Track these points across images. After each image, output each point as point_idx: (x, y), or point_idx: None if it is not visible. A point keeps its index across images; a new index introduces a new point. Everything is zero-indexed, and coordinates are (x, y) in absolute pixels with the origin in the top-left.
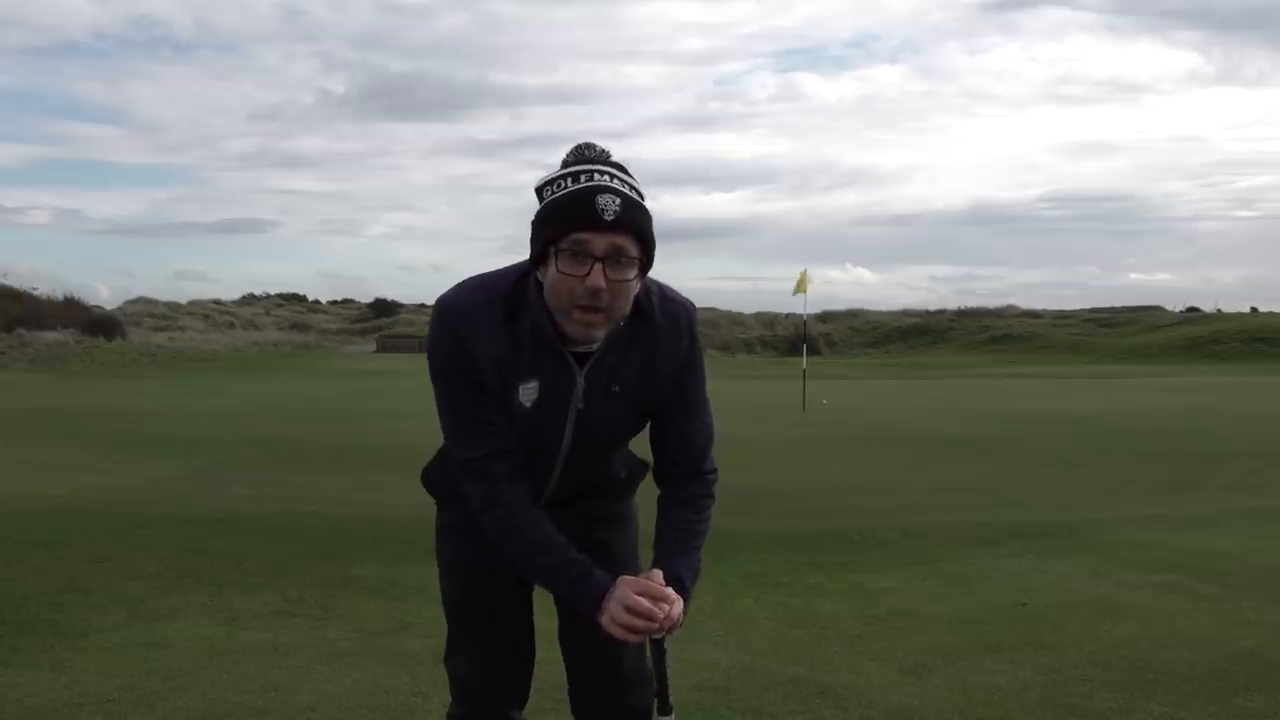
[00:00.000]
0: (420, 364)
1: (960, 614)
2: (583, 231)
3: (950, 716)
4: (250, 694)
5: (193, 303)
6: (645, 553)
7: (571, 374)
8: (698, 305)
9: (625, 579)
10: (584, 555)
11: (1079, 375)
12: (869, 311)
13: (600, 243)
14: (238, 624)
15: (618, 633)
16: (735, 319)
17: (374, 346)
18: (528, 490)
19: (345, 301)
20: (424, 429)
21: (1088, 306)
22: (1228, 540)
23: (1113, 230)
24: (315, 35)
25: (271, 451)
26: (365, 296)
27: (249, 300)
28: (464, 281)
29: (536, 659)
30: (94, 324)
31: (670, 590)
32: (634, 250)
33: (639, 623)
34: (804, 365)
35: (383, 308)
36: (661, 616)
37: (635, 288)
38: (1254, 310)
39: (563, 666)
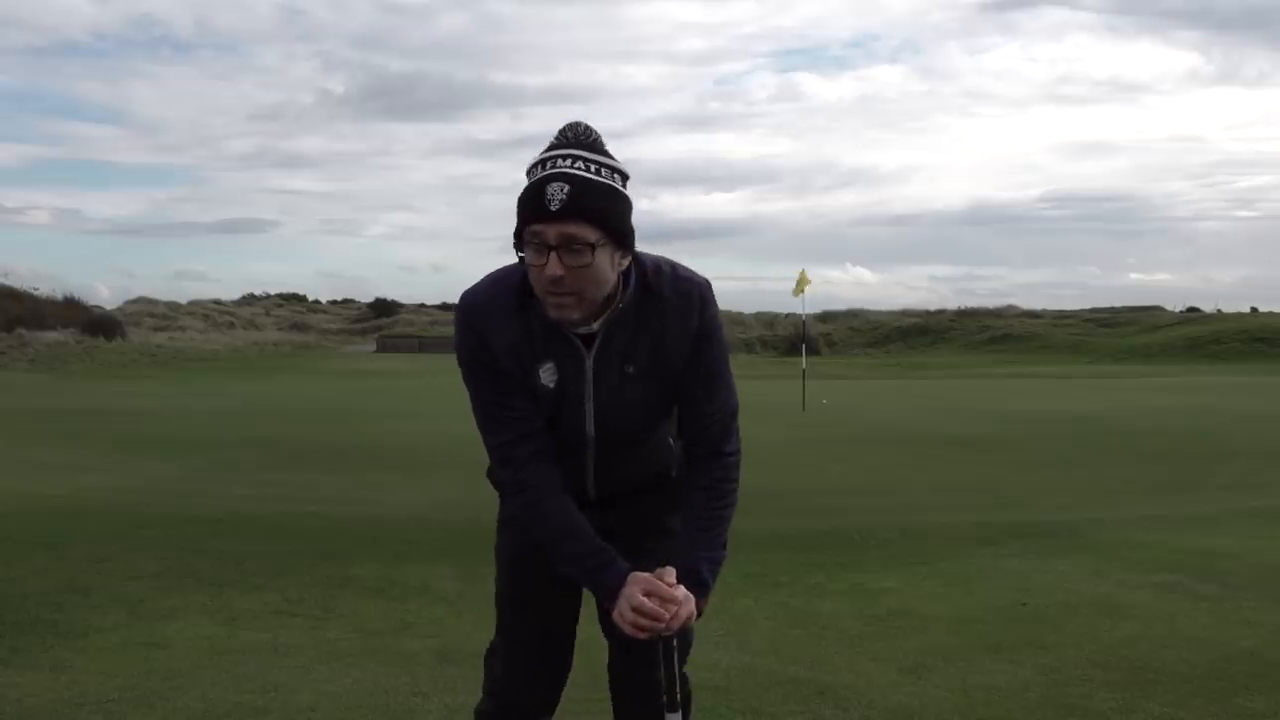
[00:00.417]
0: (420, 364)
1: (960, 614)
2: (536, 223)
3: (950, 716)
4: (250, 694)
5: (193, 303)
6: None
7: (580, 356)
8: None
9: (636, 576)
10: (608, 546)
11: (1079, 375)
12: (869, 311)
13: (551, 232)
14: (238, 624)
15: (626, 630)
16: (735, 319)
17: (374, 346)
18: (555, 476)
19: (345, 301)
20: (424, 429)
21: (1088, 306)
22: (1228, 540)
23: (1113, 230)
24: (315, 35)
25: (271, 451)
26: (365, 296)
27: (249, 300)
28: (484, 277)
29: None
30: (94, 324)
31: (679, 591)
32: (589, 235)
33: (645, 622)
34: (804, 365)
35: (383, 308)
36: (668, 618)
37: (606, 269)
38: (1254, 310)
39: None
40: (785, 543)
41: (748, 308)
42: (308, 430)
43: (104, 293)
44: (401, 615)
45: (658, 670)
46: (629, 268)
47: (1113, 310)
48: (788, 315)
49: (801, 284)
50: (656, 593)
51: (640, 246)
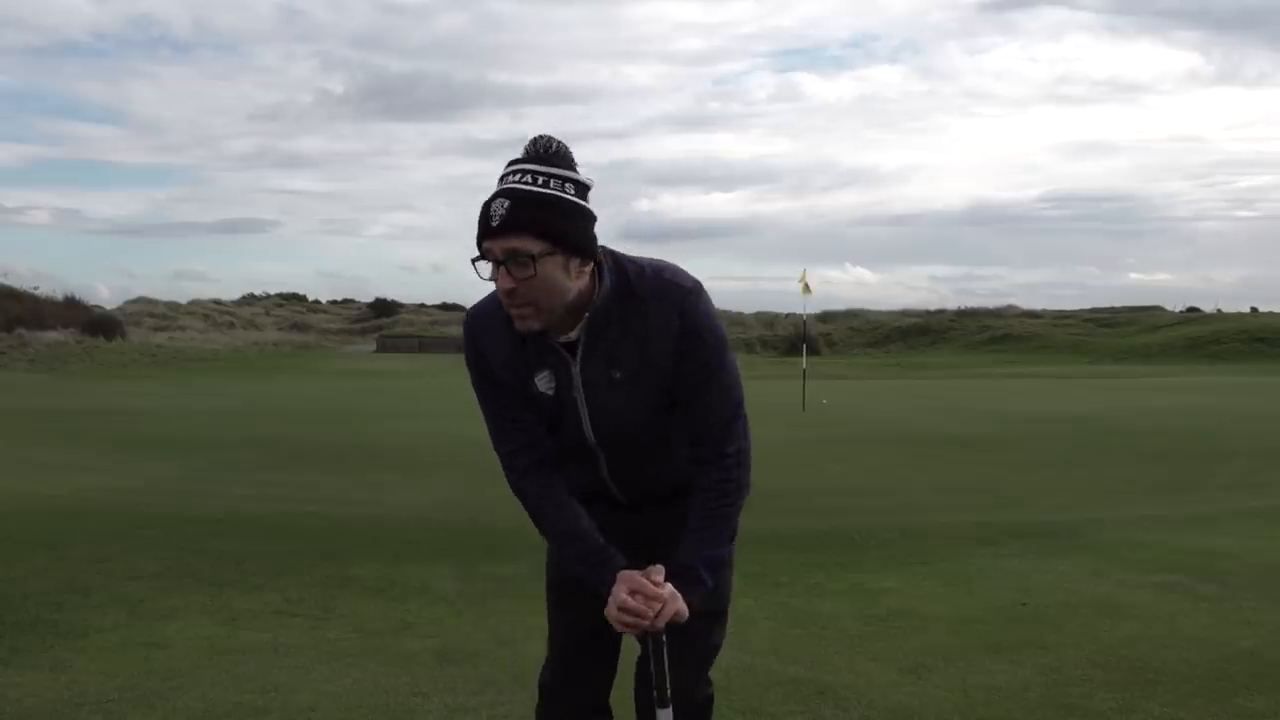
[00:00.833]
0: (420, 364)
1: (960, 614)
2: (484, 240)
3: (950, 716)
4: (250, 694)
5: (193, 303)
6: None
7: (568, 364)
8: None
9: (624, 575)
10: (609, 545)
11: (1079, 375)
12: (869, 311)
13: (497, 248)
14: (238, 624)
15: (617, 627)
16: (735, 319)
17: (374, 346)
18: (556, 483)
19: (345, 301)
20: (424, 429)
21: (1088, 306)
22: (1228, 540)
23: (1112, 230)
24: (314, 35)
25: (271, 451)
26: (365, 296)
27: (249, 300)
28: (490, 293)
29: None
30: (94, 324)
31: (665, 589)
32: (532, 247)
33: (629, 619)
34: (804, 365)
35: (383, 308)
36: (651, 615)
37: (557, 279)
38: (1254, 310)
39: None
40: (785, 543)
41: (748, 308)
42: (308, 430)
43: (104, 293)
44: (401, 615)
45: (682, 672)
46: (604, 272)
47: (1113, 310)
48: (788, 315)
49: (806, 285)
50: (641, 590)
51: (640, 247)
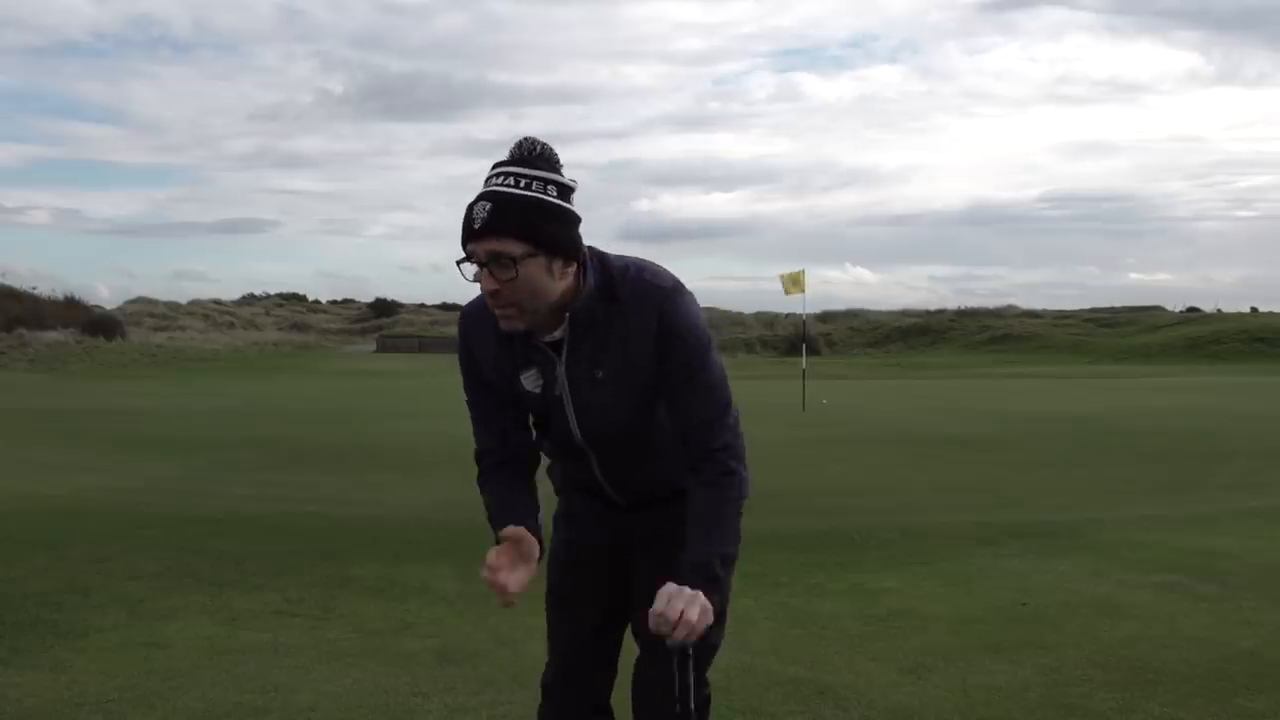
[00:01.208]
0: (420, 364)
1: (960, 614)
2: (468, 243)
3: (950, 716)
4: (250, 694)
5: (193, 303)
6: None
7: (552, 362)
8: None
9: (513, 532)
10: (530, 505)
11: (1079, 375)
12: (869, 311)
13: (479, 250)
14: (238, 624)
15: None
16: (735, 319)
17: (374, 346)
18: (514, 484)
19: (345, 301)
20: (424, 429)
21: (1088, 306)
22: (1228, 540)
23: (1112, 230)
24: (314, 35)
25: (271, 451)
26: (365, 296)
27: (249, 300)
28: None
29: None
30: (94, 324)
31: (684, 591)
32: (513, 249)
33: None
34: (804, 365)
35: (383, 308)
36: (675, 617)
37: (539, 280)
38: (1254, 310)
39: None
40: (785, 543)
41: (748, 308)
42: (308, 430)
43: (104, 293)
44: (401, 615)
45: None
46: (588, 273)
47: (1113, 310)
48: (788, 315)
49: (793, 282)
50: (521, 558)
51: (640, 247)
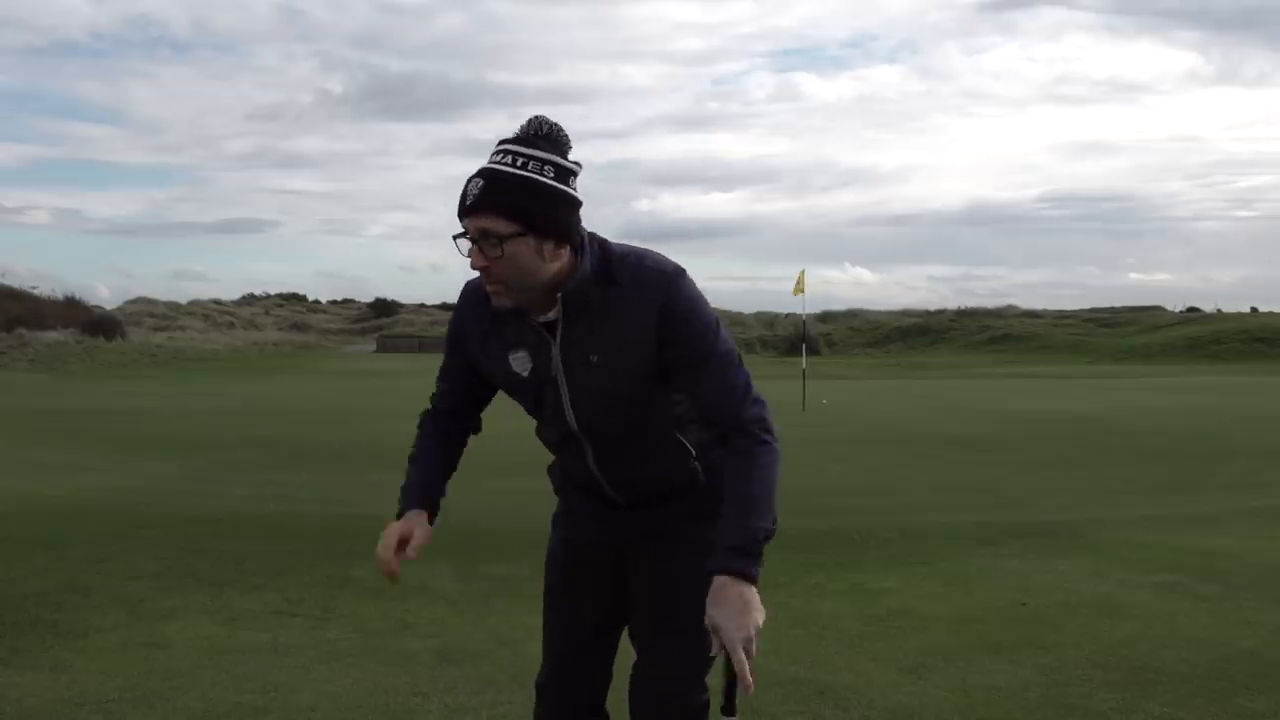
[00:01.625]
0: (420, 364)
1: (960, 614)
2: (461, 219)
3: (950, 716)
4: (250, 694)
5: (193, 303)
6: None
7: (546, 344)
8: None
9: (413, 516)
10: (438, 481)
11: (1079, 375)
12: (868, 311)
13: (470, 227)
14: (238, 624)
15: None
16: (735, 319)
17: (374, 346)
18: (441, 447)
19: (345, 301)
20: None
21: (1087, 306)
22: (1228, 540)
23: (1112, 230)
24: (314, 35)
25: (271, 451)
26: (365, 296)
27: (249, 300)
28: None
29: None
30: (94, 324)
31: (735, 599)
32: (502, 228)
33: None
34: (804, 365)
35: (383, 308)
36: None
37: (527, 260)
38: (1254, 310)
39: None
40: (785, 543)
41: (747, 308)
42: (308, 430)
43: (104, 293)
44: (401, 615)
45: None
46: (585, 256)
47: (1112, 310)
48: (788, 315)
49: (799, 283)
50: (411, 539)
51: (638, 247)
